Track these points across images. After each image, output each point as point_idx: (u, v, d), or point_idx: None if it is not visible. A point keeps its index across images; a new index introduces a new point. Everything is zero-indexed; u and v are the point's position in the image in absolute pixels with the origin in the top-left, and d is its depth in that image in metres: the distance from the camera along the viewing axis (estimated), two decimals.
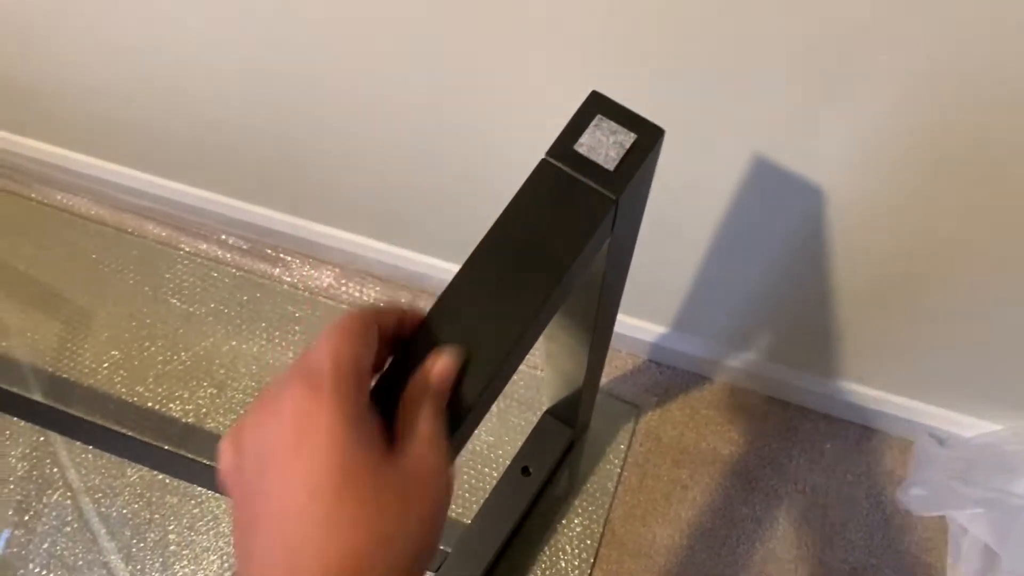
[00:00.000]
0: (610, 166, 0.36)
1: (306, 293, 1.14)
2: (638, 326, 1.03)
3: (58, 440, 1.06)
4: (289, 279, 1.15)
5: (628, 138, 0.36)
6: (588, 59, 0.56)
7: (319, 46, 0.68)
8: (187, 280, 1.15)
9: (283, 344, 1.12)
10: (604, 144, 0.36)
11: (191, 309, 1.14)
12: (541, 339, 0.47)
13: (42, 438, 1.06)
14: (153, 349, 1.11)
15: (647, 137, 0.36)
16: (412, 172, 0.84)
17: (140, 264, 1.16)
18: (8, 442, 1.06)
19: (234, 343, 1.12)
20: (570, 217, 0.36)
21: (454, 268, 1.00)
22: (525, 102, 0.64)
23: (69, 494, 1.03)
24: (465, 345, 0.34)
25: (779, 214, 0.69)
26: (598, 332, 0.60)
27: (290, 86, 0.76)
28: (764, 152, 0.60)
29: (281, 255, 1.16)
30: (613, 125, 0.36)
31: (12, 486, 1.04)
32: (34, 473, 1.04)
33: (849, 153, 0.56)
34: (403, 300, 1.13)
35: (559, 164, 0.36)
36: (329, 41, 0.67)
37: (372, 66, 0.68)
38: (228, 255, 1.16)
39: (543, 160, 0.36)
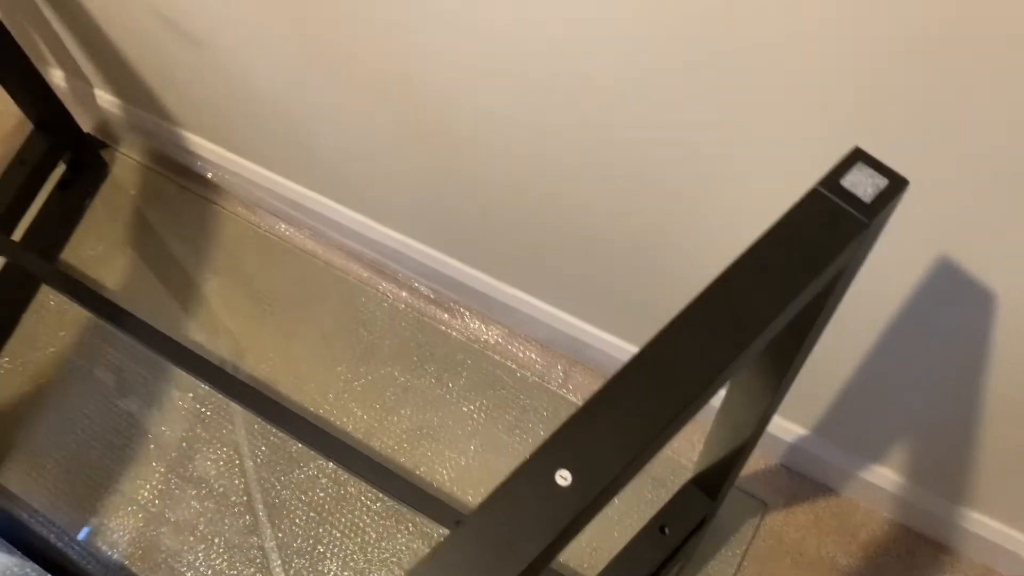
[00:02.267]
0: (867, 200, 0.48)
1: (475, 345, 1.28)
2: (776, 423, 1.11)
3: (239, 414, 1.20)
4: (462, 330, 1.29)
5: (882, 182, 0.48)
6: (794, 148, 0.68)
7: (555, 123, 0.82)
8: (377, 316, 1.31)
9: (449, 385, 1.25)
10: (863, 184, 0.48)
11: (375, 341, 1.29)
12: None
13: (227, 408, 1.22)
14: (338, 369, 1.26)
15: (896, 183, 0.48)
16: (605, 242, 0.96)
17: (340, 296, 1.33)
18: (200, 419, 1.22)
19: (406, 377, 1.25)
20: (828, 235, 0.48)
21: (618, 342, 1.11)
22: (722, 188, 0.76)
23: (240, 470, 1.17)
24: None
25: (946, 319, 0.77)
26: (781, 387, 0.70)
27: (514, 156, 0.90)
28: (947, 251, 0.70)
29: (459, 307, 1.30)
30: (870, 170, 0.48)
31: (189, 452, 1.18)
32: (213, 441, 1.19)
33: None
34: (559, 367, 1.25)
35: (828, 193, 0.48)
36: (566, 114, 0.81)
37: (592, 135, 0.81)
38: (416, 301, 1.32)
39: (814, 189, 0.49)
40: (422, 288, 1.32)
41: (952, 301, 0.74)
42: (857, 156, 0.49)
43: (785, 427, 1.10)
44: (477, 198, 1.03)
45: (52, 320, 1.33)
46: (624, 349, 1.15)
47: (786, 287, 0.47)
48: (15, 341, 1.31)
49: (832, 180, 0.49)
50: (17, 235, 1.32)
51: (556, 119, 0.81)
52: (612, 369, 1.20)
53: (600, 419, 0.43)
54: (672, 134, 0.74)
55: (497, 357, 1.27)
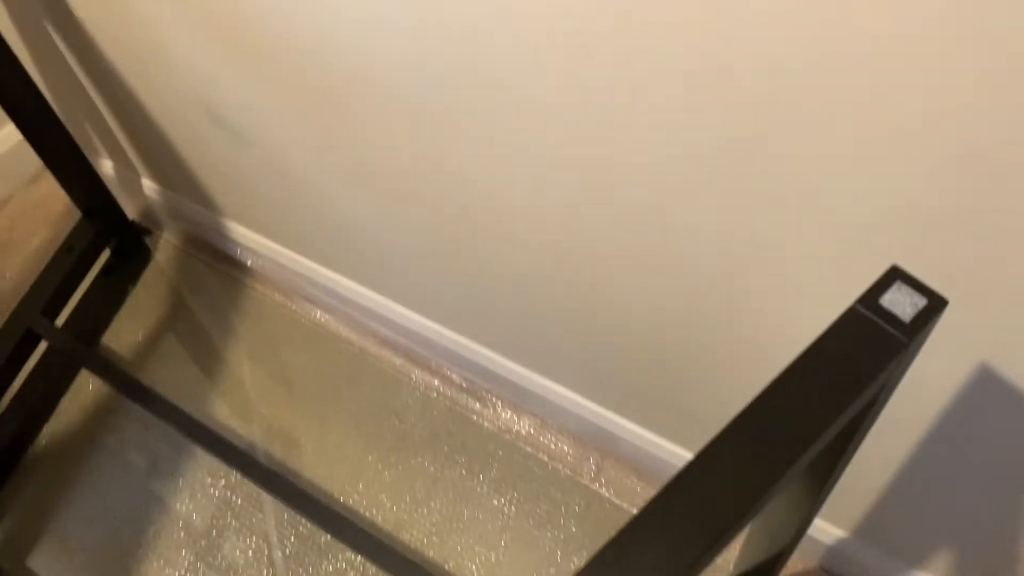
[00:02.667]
0: (906, 319, 0.48)
1: (507, 435, 1.27)
2: (816, 524, 1.08)
3: (269, 502, 1.20)
4: (493, 420, 1.28)
5: (920, 301, 0.48)
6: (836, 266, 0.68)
7: (608, 224, 0.84)
8: (409, 404, 1.31)
9: (480, 477, 1.23)
10: (902, 303, 0.48)
11: (407, 430, 1.28)
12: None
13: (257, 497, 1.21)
14: (369, 458, 1.26)
15: (935, 303, 0.48)
16: (640, 339, 0.97)
17: (373, 384, 1.34)
18: (225, 496, 1.21)
19: (437, 467, 1.24)
20: (868, 354, 0.47)
21: (651, 437, 1.10)
22: (759, 298, 0.77)
23: (268, 561, 1.15)
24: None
25: (987, 423, 0.76)
26: (821, 495, 0.69)
27: (567, 258, 0.92)
28: (987, 358, 0.69)
29: (491, 397, 1.30)
30: (909, 289, 0.48)
31: (219, 540, 1.18)
32: (243, 529, 1.18)
33: None
34: (592, 460, 1.24)
35: (867, 312, 0.48)
36: (619, 214, 0.83)
37: (631, 236, 0.82)
38: (448, 389, 1.32)
39: (853, 308, 0.48)
40: (454, 376, 1.33)
41: (993, 406, 0.73)
42: (895, 275, 0.49)
43: (825, 529, 1.07)
44: (511, 290, 1.04)
45: (89, 403, 1.35)
46: (658, 444, 1.14)
47: (829, 406, 0.47)
48: (53, 422, 1.33)
49: (871, 299, 0.49)
50: (61, 319, 1.35)
51: (594, 217, 0.82)
52: (645, 463, 1.19)
53: (647, 538, 0.42)
54: (709, 241, 0.75)
55: (529, 448, 1.26)
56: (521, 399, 1.27)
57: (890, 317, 0.48)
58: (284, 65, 0.88)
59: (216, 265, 1.48)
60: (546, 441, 1.26)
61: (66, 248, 1.31)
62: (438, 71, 0.75)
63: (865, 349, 0.48)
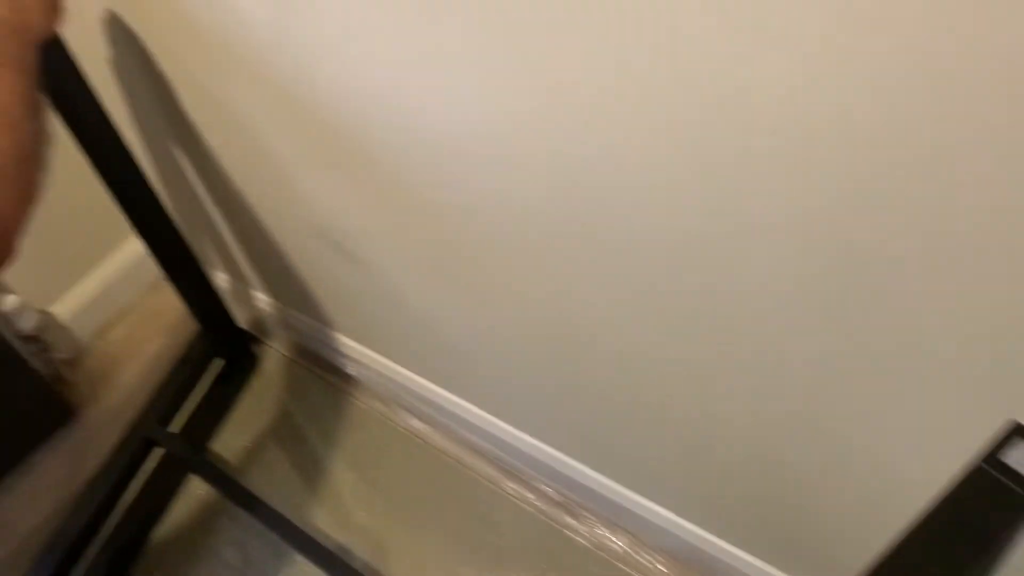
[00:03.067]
0: None
1: (602, 553, 1.26)
2: None
3: None
4: (588, 536, 1.28)
5: None
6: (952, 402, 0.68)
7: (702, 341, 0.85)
8: (504, 517, 1.32)
9: None
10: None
11: (502, 544, 1.29)
12: None
13: None
14: (463, 571, 1.26)
15: None
16: (740, 464, 0.96)
17: (469, 495, 1.35)
18: None
19: None
20: (994, 512, 0.47)
21: (750, 559, 1.08)
22: (867, 435, 0.76)
23: None
24: None
25: None
26: None
27: (665, 375, 0.93)
28: None
29: (586, 513, 1.30)
30: None
31: None
32: None
33: None
34: None
35: (990, 469, 0.48)
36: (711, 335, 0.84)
37: (739, 361, 0.83)
38: (542, 504, 1.32)
39: (978, 466, 0.49)
40: (549, 491, 1.33)
41: None
42: (1017, 432, 0.49)
43: None
44: (609, 408, 1.06)
45: (196, 506, 1.40)
46: (757, 567, 1.11)
47: (957, 563, 0.47)
48: (163, 528, 1.38)
49: (993, 456, 0.49)
50: (175, 425, 1.42)
51: (711, 352, 0.84)
52: None
53: None
54: (827, 381, 0.75)
55: (623, 567, 1.24)
56: (616, 516, 1.27)
57: (1014, 475, 0.48)
58: (404, 199, 0.94)
59: (321, 374, 1.54)
60: (642, 560, 1.25)
61: (183, 359, 1.39)
62: (562, 212, 0.79)
63: (991, 507, 0.48)
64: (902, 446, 0.75)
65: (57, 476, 1.45)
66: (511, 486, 1.35)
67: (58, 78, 0.93)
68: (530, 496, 1.34)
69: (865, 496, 0.84)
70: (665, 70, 0.57)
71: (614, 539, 1.27)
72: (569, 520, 1.30)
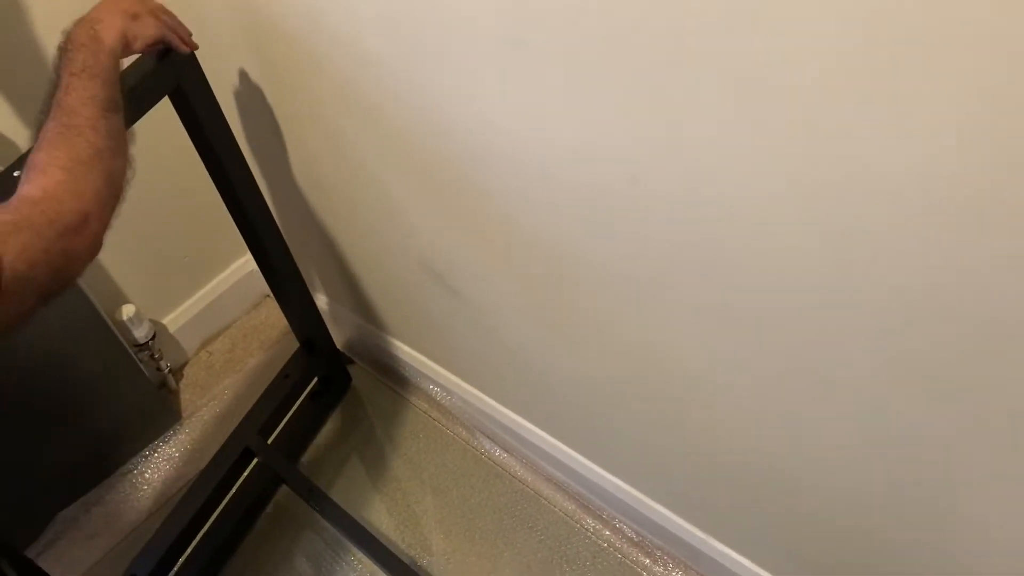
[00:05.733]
0: None
1: None
2: None
3: None
4: None
5: None
6: None
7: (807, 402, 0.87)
8: (580, 553, 1.34)
9: None
10: None
11: None
12: None
13: None
14: None
15: None
16: (827, 520, 0.96)
17: (546, 527, 1.38)
18: None
19: None
20: None
21: None
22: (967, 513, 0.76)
23: None
24: None
25: None
26: None
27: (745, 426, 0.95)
28: None
29: (662, 555, 1.31)
30: None
31: None
32: None
33: None
34: None
35: None
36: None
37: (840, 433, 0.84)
38: (619, 541, 1.34)
39: None
40: (626, 529, 1.35)
41: None
42: None
43: None
44: (696, 455, 1.07)
45: (286, 519, 1.46)
46: None
47: None
48: (252, 536, 1.44)
49: None
50: (271, 437, 1.49)
51: (805, 408, 0.85)
52: None
53: None
54: (929, 448, 0.76)
55: None
56: (692, 559, 1.28)
57: None
58: (509, 237, 0.99)
59: (408, 397, 1.60)
60: None
61: (283, 374, 1.46)
62: (659, 259, 0.83)
63: None
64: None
65: (160, 478, 1.54)
66: (588, 521, 1.37)
67: (193, 103, 1.01)
68: (607, 533, 1.36)
69: (947, 565, 0.84)
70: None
71: None
72: (645, 560, 1.32)
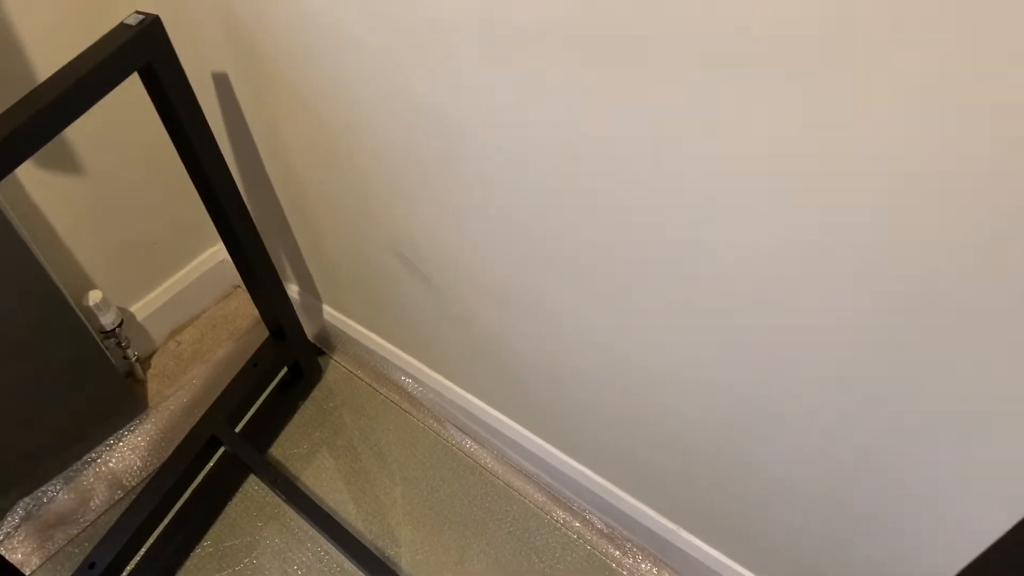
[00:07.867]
0: None
1: None
2: None
3: None
4: (632, 570, 1.29)
5: None
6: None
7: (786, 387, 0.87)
8: (549, 544, 1.33)
9: None
10: None
11: (546, 570, 1.30)
12: None
13: None
14: None
15: None
16: (820, 521, 0.97)
17: (515, 519, 1.37)
18: None
19: None
20: None
21: None
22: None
23: None
24: None
25: None
26: None
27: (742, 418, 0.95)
28: None
29: (631, 546, 1.31)
30: None
31: None
32: None
33: None
34: None
35: None
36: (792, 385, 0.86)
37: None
38: (588, 533, 1.34)
39: None
40: (596, 521, 1.35)
41: None
42: None
43: None
44: (670, 447, 1.07)
45: (253, 509, 1.44)
46: None
47: None
48: (218, 526, 1.43)
49: None
50: (239, 427, 1.47)
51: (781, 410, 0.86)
52: None
53: None
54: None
55: None
56: (662, 551, 1.28)
57: None
58: (480, 222, 0.99)
59: (379, 389, 1.59)
60: None
61: (252, 363, 1.45)
62: (641, 264, 0.83)
63: None
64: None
65: (124, 467, 1.51)
66: (558, 513, 1.37)
67: (164, 82, 1.00)
68: (577, 524, 1.35)
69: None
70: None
71: (659, 575, 1.28)
72: (615, 552, 1.31)
